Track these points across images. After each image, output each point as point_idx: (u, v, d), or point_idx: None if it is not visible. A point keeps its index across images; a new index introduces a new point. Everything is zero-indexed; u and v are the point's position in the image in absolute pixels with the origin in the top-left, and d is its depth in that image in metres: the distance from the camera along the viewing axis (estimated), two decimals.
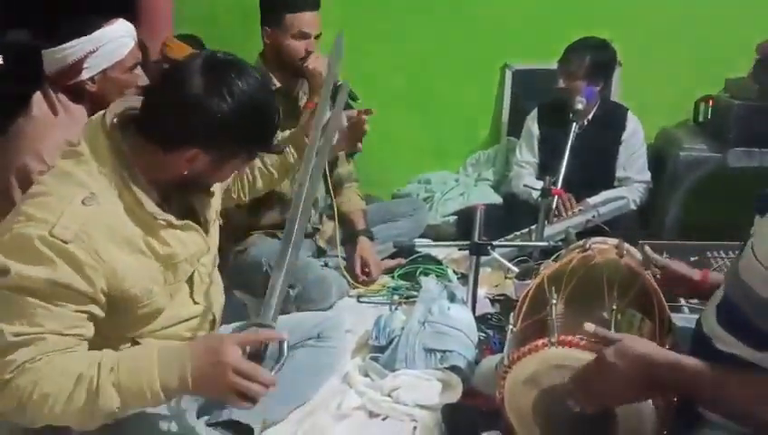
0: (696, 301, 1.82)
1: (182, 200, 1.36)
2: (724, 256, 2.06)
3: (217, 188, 1.49)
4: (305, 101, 2.35)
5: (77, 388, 1.11)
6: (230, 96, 1.20)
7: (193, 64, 1.22)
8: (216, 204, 1.49)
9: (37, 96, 1.77)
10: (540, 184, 2.46)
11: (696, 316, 1.62)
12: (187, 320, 1.38)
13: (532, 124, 2.98)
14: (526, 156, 2.99)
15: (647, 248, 1.61)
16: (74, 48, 1.73)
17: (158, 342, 1.30)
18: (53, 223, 1.12)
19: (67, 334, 1.14)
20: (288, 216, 1.39)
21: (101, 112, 1.27)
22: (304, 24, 2.26)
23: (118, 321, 1.24)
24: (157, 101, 1.25)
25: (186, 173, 1.26)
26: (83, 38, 1.73)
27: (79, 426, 1.16)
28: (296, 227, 1.35)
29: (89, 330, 1.18)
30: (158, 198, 1.26)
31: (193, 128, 1.21)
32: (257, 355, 1.16)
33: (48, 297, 1.11)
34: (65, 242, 1.12)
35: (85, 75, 1.76)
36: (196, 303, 1.40)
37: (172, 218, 1.27)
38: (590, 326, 1.14)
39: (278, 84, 2.31)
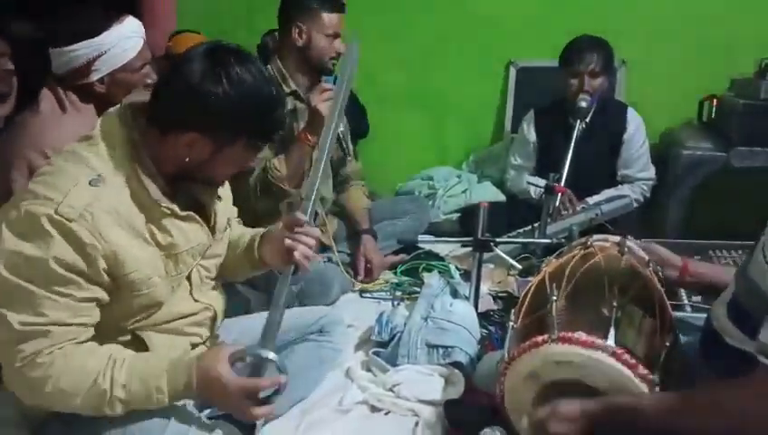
0: (698, 299, 1.82)
1: (189, 195, 1.36)
2: (727, 255, 2.06)
3: (227, 195, 1.51)
4: (302, 128, 2.25)
5: (89, 393, 1.16)
6: (227, 80, 1.19)
7: (196, 51, 1.24)
8: (226, 211, 1.50)
9: (45, 92, 1.76)
10: (542, 182, 2.46)
11: (698, 315, 1.64)
12: (187, 316, 1.39)
13: (528, 130, 2.97)
14: (520, 160, 3.00)
15: (628, 242, 1.61)
16: (82, 51, 1.70)
17: (165, 347, 1.32)
18: (59, 201, 1.14)
19: (73, 324, 1.16)
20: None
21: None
22: (338, 24, 2.32)
23: (115, 308, 1.25)
24: (160, 87, 1.27)
25: (187, 160, 1.25)
26: (91, 40, 1.70)
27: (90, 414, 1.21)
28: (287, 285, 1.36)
29: (93, 317, 1.20)
30: (164, 187, 1.27)
31: (189, 111, 1.21)
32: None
33: (52, 284, 1.13)
34: (69, 220, 1.13)
35: (93, 77, 1.74)
36: (196, 301, 1.41)
37: (175, 208, 1.28)
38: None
39: (293, 87, 2.33)
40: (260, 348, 1.23)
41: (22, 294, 1.13)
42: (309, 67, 2.33)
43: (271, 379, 1.21)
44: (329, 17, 2.29)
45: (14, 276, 1.13)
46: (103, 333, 1.24)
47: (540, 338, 1.21)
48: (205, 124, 1.22)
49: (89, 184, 1.17)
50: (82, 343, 1.19)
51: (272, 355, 1.21)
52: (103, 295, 1.21)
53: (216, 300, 1.48)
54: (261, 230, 1.56)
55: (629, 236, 1.54)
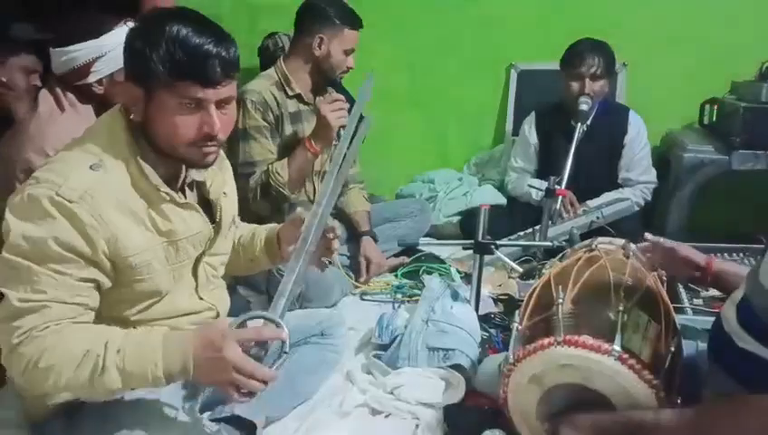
0: (699, 302, 1.82)
1: (195, 191, 1.38)
2: (728, 257, 2.06)
3: (233, 193, 1.53)
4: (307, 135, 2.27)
5: (83, 363, 1.13)
6: (149, 24, 1.22)
7: None
8: (232, 208, 1.51)
9: (43, 92, 1.77)
10: (543, 184, 2.46)
11: (700, 318, 1.63)
12: (190, 314, 1.39)
13: (529, 131, 2.97)
14: (521, 163, 3.00)
15: (648, 235, 1.60)
16: (82, 51, 1.72)
17: (163, 329, 1.30)
18: (60, 184, 1.16)
19: (71, 303, 1.16)
20: (304, 227, 1.38)
21: None
22: (355, 41, 2.38)
23: (117, 295, 1.25)
24: None
25: (132, 117, 1.25)
26: (92, 42, 1.72)
27: (83, 398, 1.18)
28: (311, 237, 1.34)
29: (93, 300, 1.20)
30: (165, 175, 1.29)
31: (125, 61, 1.24)
32: (259, 351, 1.17)
33: (51, 262, 1.14)
34: (70, 202, 1.15)
35: (92, 78, 1.75)
36: (200, 299, 1.42)
37: (174, 194, 1.30)
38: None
39: (297, 90, 2.35)
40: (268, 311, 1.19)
41: (21, 273, 1.14)
42: (319, 75, 2.37)
43: (270, 331, 1.16)
44: (351, 34, 2.35)
45: (15, 256, 1.14)
46: (105, 324, 1.23)
47: (546, 340, 1.20)
48: (128, 67, 1.24)
49: (89, 168, 1.19)
50: (80, 323, 1.18)
51: (276, 316, 1.16)
52: (103, 279, 1.21)
53: (221, 302, 1.48)
54: (273, 226, 1.59)
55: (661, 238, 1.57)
